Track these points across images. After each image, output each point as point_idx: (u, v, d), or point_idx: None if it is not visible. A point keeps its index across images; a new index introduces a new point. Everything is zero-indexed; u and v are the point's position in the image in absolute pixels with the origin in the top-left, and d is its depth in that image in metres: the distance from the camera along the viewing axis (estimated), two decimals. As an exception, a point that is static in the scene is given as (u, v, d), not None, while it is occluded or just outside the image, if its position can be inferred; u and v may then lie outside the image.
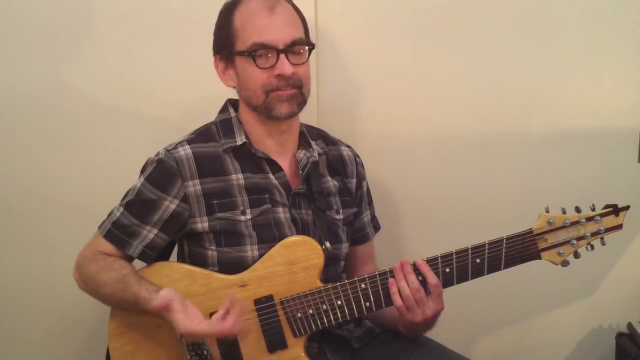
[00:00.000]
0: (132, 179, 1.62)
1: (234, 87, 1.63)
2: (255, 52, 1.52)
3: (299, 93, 1.56)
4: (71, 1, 1.95)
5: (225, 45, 1.58)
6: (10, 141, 1.97)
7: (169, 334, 1.51)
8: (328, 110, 1.99)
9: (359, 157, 1.80)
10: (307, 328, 1.52)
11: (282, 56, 1.52)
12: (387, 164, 2.07)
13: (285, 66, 1.52)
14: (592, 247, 1.52)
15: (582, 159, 2.07)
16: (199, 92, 1.97)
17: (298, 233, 1.59)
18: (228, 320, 1.39)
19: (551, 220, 1.50)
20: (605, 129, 2.04)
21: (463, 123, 2.06)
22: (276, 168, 1.62)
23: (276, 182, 1.60)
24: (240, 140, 1.60)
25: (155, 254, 1.58)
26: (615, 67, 2.02)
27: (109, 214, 1.60)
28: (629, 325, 2.03)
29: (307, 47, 1.58)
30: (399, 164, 2.10)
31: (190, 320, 1.39)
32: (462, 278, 1.51)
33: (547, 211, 1.51)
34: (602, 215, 1.51)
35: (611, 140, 2.04)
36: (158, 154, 1.60)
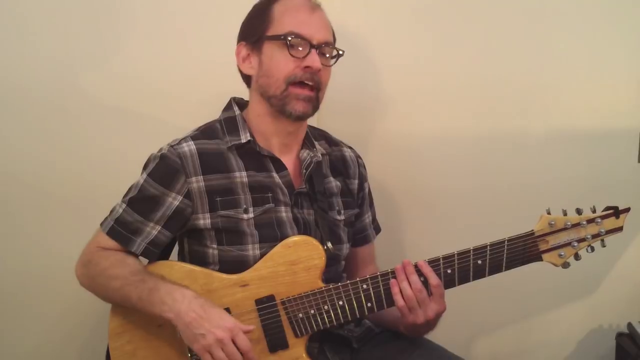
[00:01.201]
0: (133, 176, 1.61)
1: (251, 76, 1.63)
2: (290, 39, 1.53)
3: (315, 97, 1.57)
4: (73, 1, 1.95)
5: (257, 30, 1.58)
6: (11, 139, 1.97)
7: (169, 334, 1.51)
8: (328, 110, 1.99)
9: (361, 158, 1.81)
10: (309, 328, 1.52)
11: (314, 50, 1.54)
12: (388, 164, 2.08)
13: (315, 60, 1.54)
14: (593, 249, 1.52)
15: (582, 159, 2.07)
16: (201, 91, 1.97)
17: (300, 233, 1.59)
18: None
19: (552, 222, 1.50)
20: (605, 129, 2.05)
21: (463, 124, 2.07)
22: (280, 167, 1.62)
23: (279, 181, 1.60)
24: (245, 138, 1.60)
25: (158, 251, 1.58)
26: (615, 67, 2.03)
27: (111, 211, 1.59)
28: (629, 325, 2.03)
29: (335, 53, 1.61)
30: (399, 165, 2.10)
31: None
32: (464, 279, 1.51)
33: (549, 213, 1.51)
34: (602, 217, 1.51)
35: (611, 140, 2.05)
36: (161, 149, 1.59)
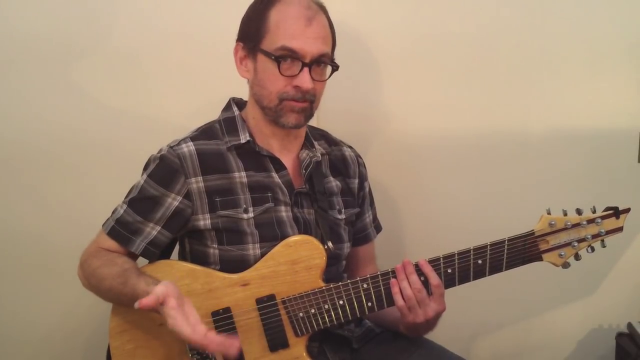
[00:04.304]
0: (135, 177, 1.61)
1: (247, 79, 1.62)
2: (282, 57, 1.51)
3: (309, 107, 1.57)
4: (75, 2, 1.95)
5: (253, 37, 1.56)
6: (10, 138, 1.97)
7: (170, 333, 1.51)
8: (328, 110, 1.99)
9: (361, 157, 1.81)
10: (309, 327, 1.53)
11: (306, 69, 1.52)
12: (388, 164, 2.07)
13: (306, 80, 1.52)
14: (593, 249, 1.53)
15: (582, 159, 2.07)
16: (201, 91, 1.97)
17: (300, 232, 1.59)
18: (218, 338, 1.33)
19: (552, 222, 1.50)
20: (605, 129, 2.05)
21: (464, 124, 2.07)
22: (280, 166, 1.62)
23: (279, 180, 1.61)
24: (244, 138, 1.60)
25: (158, 251, 1.58)
26: (615, 68, 2.03)
27: (113, 212, 1.60)
28: (629, 325, 2.04)
29: (330, 67, 1.58)
30: (399, 165, 2.10)
31: (185, 325, 1.32)
32: (464, 279, 1.51)
33: (549, 213, 1.51)
34: (603, 217, 1.51)
35: (611, 140, 2.05)
36: (161, 150, 1.60)
